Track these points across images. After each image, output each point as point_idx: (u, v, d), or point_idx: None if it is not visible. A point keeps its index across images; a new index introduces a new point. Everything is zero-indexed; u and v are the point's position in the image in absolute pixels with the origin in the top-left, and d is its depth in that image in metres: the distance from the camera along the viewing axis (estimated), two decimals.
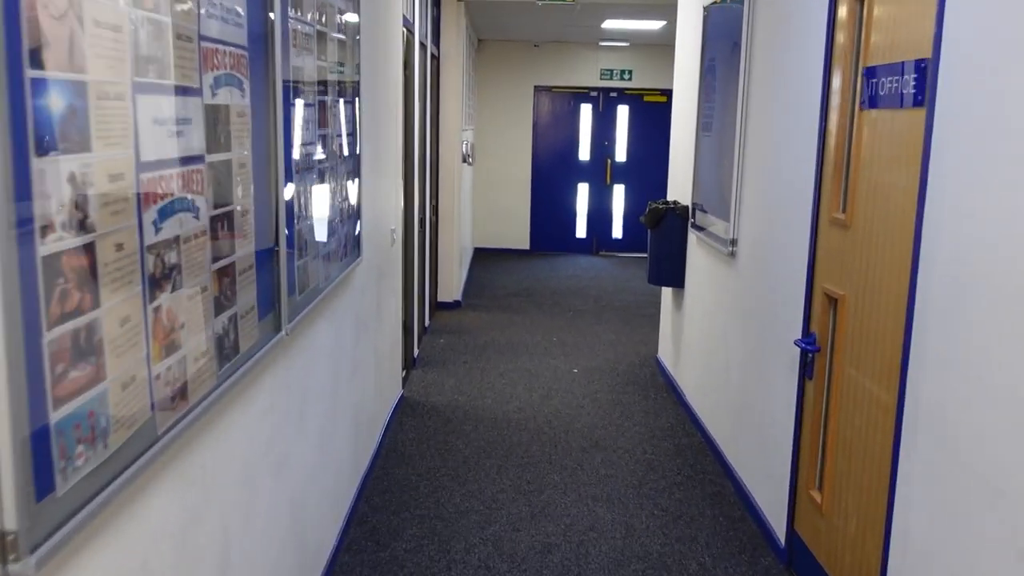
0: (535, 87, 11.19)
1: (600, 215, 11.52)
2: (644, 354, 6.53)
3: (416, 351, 6.16)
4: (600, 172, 11.42)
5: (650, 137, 11.33)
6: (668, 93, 11.18)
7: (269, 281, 2.22)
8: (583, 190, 11.49)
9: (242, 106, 1.95)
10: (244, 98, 1.96)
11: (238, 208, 1.94)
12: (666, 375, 5.87)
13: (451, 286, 7.94)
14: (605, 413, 5.14)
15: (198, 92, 1.68)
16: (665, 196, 6.29)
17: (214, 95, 1.77)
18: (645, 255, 12.38)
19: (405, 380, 5.61)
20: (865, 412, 2.73)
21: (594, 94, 11.27)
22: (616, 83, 11.14)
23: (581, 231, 11.59)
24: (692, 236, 5.25)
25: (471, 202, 10.28)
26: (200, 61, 1.69)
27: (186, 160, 1.62)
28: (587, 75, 11.14)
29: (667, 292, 6.01)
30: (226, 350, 1.87)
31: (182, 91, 1.60)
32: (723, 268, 4.45)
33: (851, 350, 2.84)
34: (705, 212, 4.85)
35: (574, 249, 11.56)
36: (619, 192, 11.49)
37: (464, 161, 8.02)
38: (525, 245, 11.51)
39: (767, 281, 3.70)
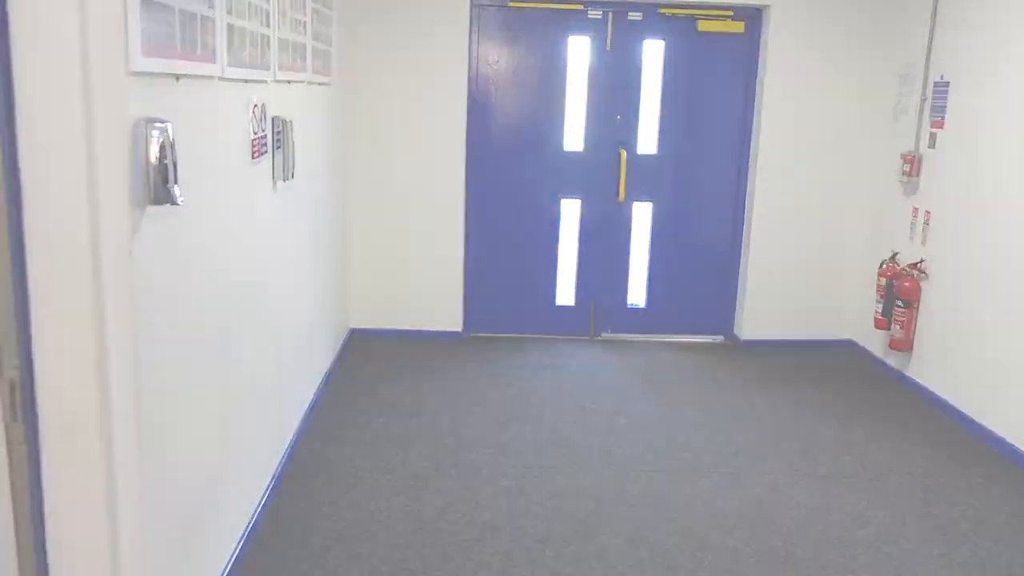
0: None
1: (604, 263, 5.74)
2: None
3: None
4: (606, 177, 5.60)
5: (713, 104, 5.55)
6: (749, 13, 5.36)
7: None
8: (570, 212, 5.67)
9: None
10: None
11: None
12: None
13: None
14: None
15: None
16: None
17: None
18: (701, 339, 5.46)
19: None
20: None
21: (596, 14, 5.44)
22: None
23: (566, 295, 5.80)
24: None
25: (335, 259, 4.43)
26: None
27: None
28: None
29: None
30: None
31: None
32: None
33: None
34: None
35: (552, 328, 5.77)
36: (641, 215, 5.70)
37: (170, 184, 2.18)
38: (455, 326, 5.69)
39: None
